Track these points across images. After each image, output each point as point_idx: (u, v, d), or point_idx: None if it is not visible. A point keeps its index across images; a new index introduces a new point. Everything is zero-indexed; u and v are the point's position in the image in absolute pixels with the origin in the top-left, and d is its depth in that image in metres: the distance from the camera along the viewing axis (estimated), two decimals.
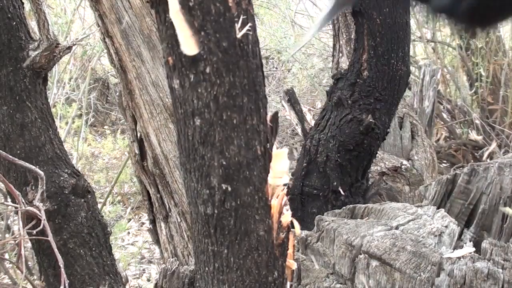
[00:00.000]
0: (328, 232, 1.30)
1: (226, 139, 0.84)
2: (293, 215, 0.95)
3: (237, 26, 0.81)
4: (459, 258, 1.12)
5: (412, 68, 3.86)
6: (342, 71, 1.90)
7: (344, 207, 1.47)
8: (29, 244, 2.01)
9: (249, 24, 0.83)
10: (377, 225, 1.29)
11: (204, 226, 0.91)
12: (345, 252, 1.24)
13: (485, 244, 1.16)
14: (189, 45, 0.80)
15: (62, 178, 1.64)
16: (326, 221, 1.34)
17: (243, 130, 0.85)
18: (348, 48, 2.56)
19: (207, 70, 0.81)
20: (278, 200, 0.91)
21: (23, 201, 1.39)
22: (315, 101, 4.74)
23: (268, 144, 0.88)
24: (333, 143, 1.83)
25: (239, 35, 0.82)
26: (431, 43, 4.32)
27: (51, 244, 1.24)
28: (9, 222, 2.85)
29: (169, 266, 1.23)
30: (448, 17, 0.66)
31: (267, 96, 0.97)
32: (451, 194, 1.47)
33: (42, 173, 1.38)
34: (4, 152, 1.29)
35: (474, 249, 1.19)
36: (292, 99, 2.55)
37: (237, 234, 0.89)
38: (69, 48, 1.67)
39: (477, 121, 3.92)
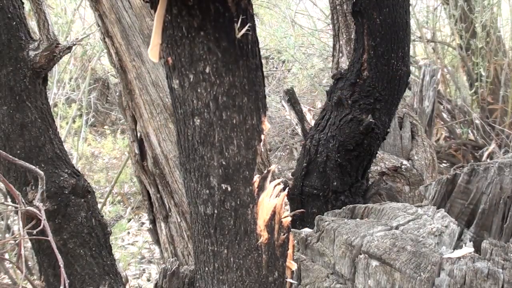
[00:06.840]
0: (328, 232, 1.30)
1: (226, 139, 0.84)
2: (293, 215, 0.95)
3: (237, 26, 0.81)
4: (459, 258, 1.12)
5: (412, 68, 3.86)
6: (342, 71, 1.90)
7: (344, 207, 1.47)
8: (29, 244, 2.01)
9: (249, 24, 0.83)
10: (377, 225, 1.29)
11: (204, 226, 0.91)
12: (345, 252, 1.24)
13: (485, 244, 1.16)
14: (153, 51, 0.84)
15: (62, 178, 1.64)
16: (326, 221, 1.34)
17: (242, 130, 0.85)
18: (348, 48, 2.56)
19: (207, 70, 0.81)
20: (278, 200, 0.91)
21: (23, 201, 1.39)
22: (315, 101, 4.74)
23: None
24: (333, 143, 1.83)
25: (238, 35, 0.82)
26: (431, 43, 4.31)
27: (51, 244, 1.23)
28: (9, 222, 2.85)
29: (169, 266, 1.23)
30: None
31: (267, 96, 0.97)
32: (451, 194, 1.47)
33: (42, 173, 1.38)
34: (4, 152, 1.29)
35: (474, 249, 1.19)
36: (292, 99, 2.54)
37: (237, 234, 0.89)
38: (69, 48, 1.66)
39: (477, 121, 3.92)
